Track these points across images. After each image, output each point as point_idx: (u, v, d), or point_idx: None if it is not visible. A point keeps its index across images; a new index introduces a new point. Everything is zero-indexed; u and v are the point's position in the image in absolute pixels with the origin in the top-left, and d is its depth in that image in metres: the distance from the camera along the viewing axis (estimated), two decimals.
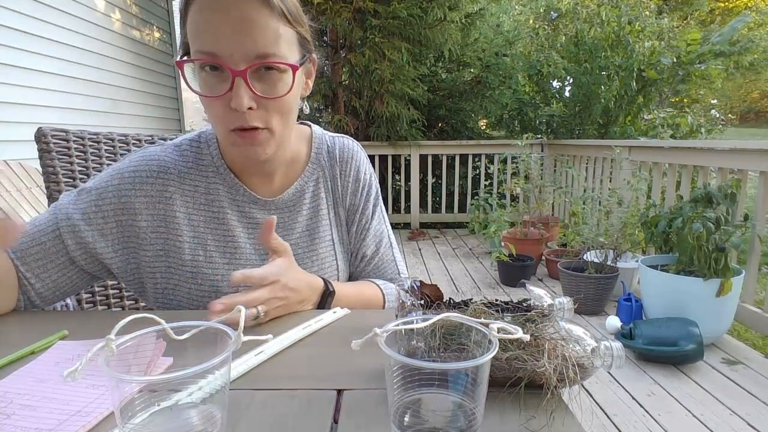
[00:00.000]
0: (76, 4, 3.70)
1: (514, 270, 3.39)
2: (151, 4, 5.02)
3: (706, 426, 1.71)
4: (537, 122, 5.84)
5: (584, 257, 3.00)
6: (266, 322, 0.68)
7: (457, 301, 0.56)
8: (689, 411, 1.80)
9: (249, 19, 0.65)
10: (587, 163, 4.24)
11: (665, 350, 2.10)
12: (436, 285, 0.61)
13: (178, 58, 0.72)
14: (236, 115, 0.68)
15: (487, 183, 5.36)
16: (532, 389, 0.47)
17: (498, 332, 0.40)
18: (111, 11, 4.23)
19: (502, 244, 3.56)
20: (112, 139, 1.09)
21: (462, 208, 5.40)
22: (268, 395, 0.50)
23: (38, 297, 0.76)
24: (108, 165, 1.03)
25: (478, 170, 5.56)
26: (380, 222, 0.95)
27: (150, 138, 1.15)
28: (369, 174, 0.94)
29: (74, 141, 1.02)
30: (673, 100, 6.91)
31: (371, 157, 5.08)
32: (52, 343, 0.61)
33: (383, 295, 0.88)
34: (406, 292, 0.57)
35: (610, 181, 3.81)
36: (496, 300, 0.55)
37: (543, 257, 3.70)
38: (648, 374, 2.07)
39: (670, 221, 2.37)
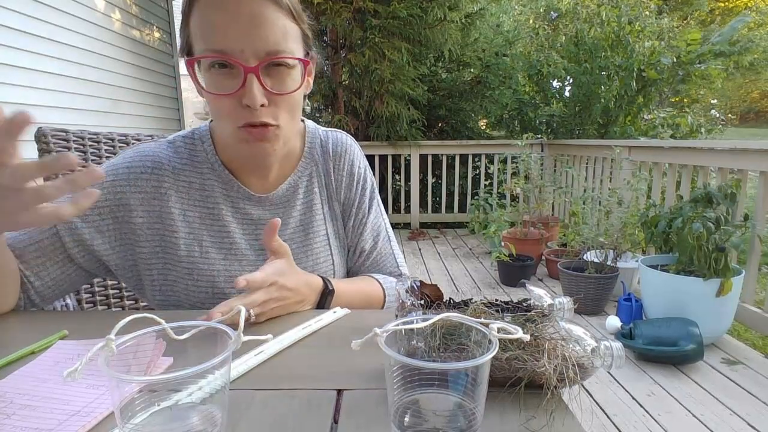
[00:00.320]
0: (76, 4, 3.70)
1: (514, 270, 3.39)
2: (151, 4, 5.02)
3: (706, 426, 1.71)
4: (537, 122, 5.84)
5: (584, 257, 3.00)
6: (265, 322, 0.68)
7: (457, 301, 0.56)
8: (689, 411, 1.80)
9: (258, 16, 0.66)
10: (587, 163, 4.25)
11: (665, 350, 2.10)
12: (436, 285, 0.61)
13: (183, 58, 0.72)
14: (247, 112, 0.68)
15: (487, 183, 5.36)
16: (532, 389, 0.47)
17: (498, 332, 0.40)
18: (111, 11, 4.23)
19: (502, 244, 3.56)
20: (112, 139, 1.09)
21: (462, 208, 5.40)
22: (268, 395, 0.50)
23: (38, 295, 0.76)
24: None
25: (478, 170, 5.56)
26: (377, 216, 0.95)
27: (150, 138, 1.15)
28: (363, 168, 0.93)
29: (74, 141, 1.02)
30: (673, 100, 6.91)
31: (371, 157, 5.14)
32: (52, 343, 0.61)
33: (383, 290, 0.88)
34: (406, 292, 0.57)
35: (610, 181, 3.81)
36: (496, 300, 0.55)
37: (543, 257, 3.70)
38: (648, 374, 2.07)
39: (670, 221, 2.37)
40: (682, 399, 1.88)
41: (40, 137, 0.97)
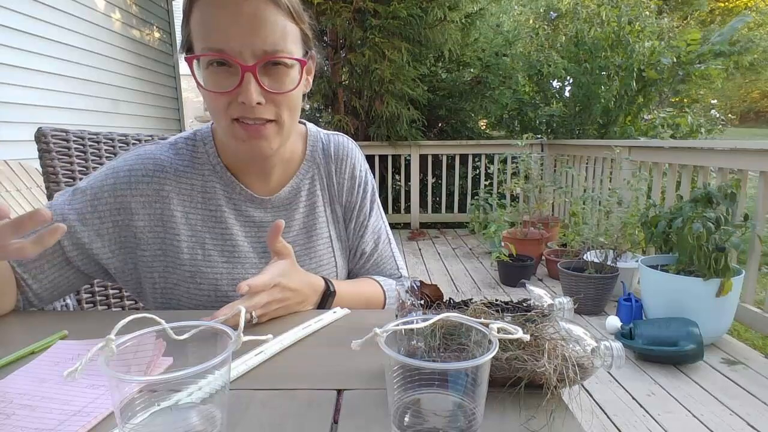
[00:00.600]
0: (76, 4, 3.70)
1: (514, 270, 3.39)
2: (151, 4, 5.02)
3: (706, 426, 1.71)
4: (537, 122, 5.84)
5: (584, 257, 3.00)
6: (265, 322, 0.68)
7: (457, 301, 0.56)
8: (689, 411, 1.80)
9: (257, 16, 0.66)
10: (587, 163, 4.24)
11: (665, 350, 2.10)
12: (436, 285, 0.61)
13: (183, 55, 0.72)
14: (242, 107, 0.69)
15: (487, 183, 5.36)
16: (532, 389, 0.47)
17: (498, 332, 0.40)
18: (111, 11, 4.23)
19: (502, 244, 3.56)
20: (112, 139, 1.09)
21: (462, 208, 5.39)
22: (268, 395, 0.50)
23: (36, 298, 0.76)
24: None
25: (478, 170, 5.56)
26: (378, 218, 0.95)
27: (150, 138, 1.15)
28: (364, 171, 0.94)
29: (74, 141, 1.02)
30: (673, 100, 6.91)
31: (371, 157, 5.14)
32: (52, 343, 0.61)
33: (384, 291, 0.88)
34: (407, 292, 0.57)
35: (610, 181, 3.81)
36: (496, 300, 0.55)
37: (543, 257, 3.70)
38: (648, 374, 2.06)
39: (670, 221, 2.37)
40: (682, 399, 1.88)
41: (40, 137, 0.97)
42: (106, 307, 1.10)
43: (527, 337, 0.41)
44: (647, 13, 5.39)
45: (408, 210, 5.51)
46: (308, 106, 0.87)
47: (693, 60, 5.23)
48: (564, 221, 4.39)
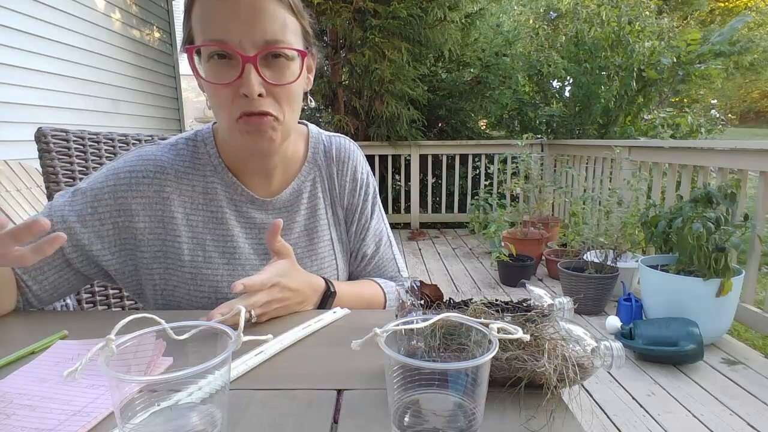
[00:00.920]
0: (76, 4, 3.70)
1: (514, 270, 3.39)
2: (151, 4, 5.01)
3: (706, 426, 1.71)
4: (537, 122, 5.84)
5: (584, 257, 3.00)
6: (265, 322, 0.68)
7: (457, 301, 0.56)
8: (689, 411, 1.80)
9: (258, 7, 0.66)
10: (587, 163, 4.24)
11: (665, 350, 2.10)
12: (436, 285, 0.61)
13: (184, 50, 0.71)
14: (244, 101, 0.68)
15: (487, 183, 5.35)
16: (532, 389, 0.47)
17: (498, 332, 0.40)
18: (111, 11, 4.22)
19: (502, 244, 3.56)
20: (112, 139, 1.09)
21: (462, 208, 5.39)
22: (268, 395, 0.50)
23: (36, 299, 0.76)
24: None
25: (478, 170, 5.56)
26: (379, 221, 0.95)
27: (150, 138, 1.15)
28: (366, 173, 0.94)
29: (74, 141, 1.02)
30: (673, 100, 6.91)
31: (371, 157, 5.14)
32: (52, 343, 0.61)
33: (384, 293, 0.88)
34: (407, 292, 0.57)
35: (610, 181, 3.81)
36: (496, 300, 0.55)
37: (543, 257, 3.70)
38: (648, 374, 2.06)
39: (670, 221, 2.37)
40: (682, 399, 1.88)
41: (40, 137, 0.97)
42: (106, 307, 1.10)
43: (527, 337, 0.41)
44: (647, 13, 5.39)
45: (408, 210, 5.51)
46: (313, 103, 0.87)
47: (693, 60, 5.23)
48: (564, 221, 4.39)
